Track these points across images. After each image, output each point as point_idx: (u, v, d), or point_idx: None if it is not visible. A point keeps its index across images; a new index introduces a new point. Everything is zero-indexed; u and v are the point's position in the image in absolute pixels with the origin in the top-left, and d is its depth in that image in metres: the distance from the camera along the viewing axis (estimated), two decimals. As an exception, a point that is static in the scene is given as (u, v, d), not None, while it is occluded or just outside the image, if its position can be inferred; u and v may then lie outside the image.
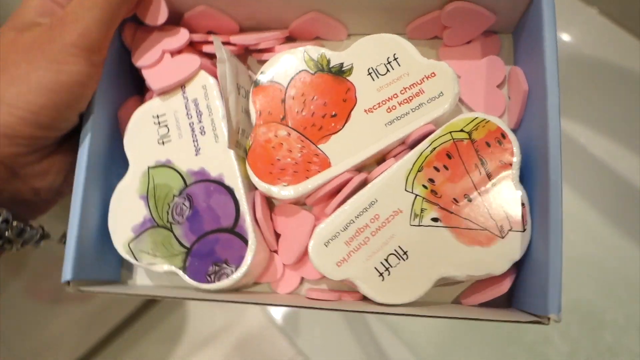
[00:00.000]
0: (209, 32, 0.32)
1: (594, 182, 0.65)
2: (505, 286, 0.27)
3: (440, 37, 0.32)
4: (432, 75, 0.28)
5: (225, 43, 0.32)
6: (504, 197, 0.27)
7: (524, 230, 0.26)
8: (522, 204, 0.27)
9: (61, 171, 0.28)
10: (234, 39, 0.31)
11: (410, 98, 0.28)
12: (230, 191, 0.28)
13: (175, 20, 0.31)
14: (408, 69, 0.29)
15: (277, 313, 0.68)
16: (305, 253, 0.29)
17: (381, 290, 0.27)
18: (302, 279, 0.30)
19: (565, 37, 0.57)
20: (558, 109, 0.25)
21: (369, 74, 0.29)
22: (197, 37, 0.31)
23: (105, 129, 0.29)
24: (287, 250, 0.29)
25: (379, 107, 0.28)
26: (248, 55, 0.33)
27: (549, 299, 0.24)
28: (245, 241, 0.27)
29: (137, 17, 0.30)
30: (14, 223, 0.26)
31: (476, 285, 0.28)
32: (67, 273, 0.26)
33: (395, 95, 0.28)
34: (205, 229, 0.27)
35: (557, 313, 0.24)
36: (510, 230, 0.26)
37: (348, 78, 0.29)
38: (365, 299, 0.28)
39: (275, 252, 0.30)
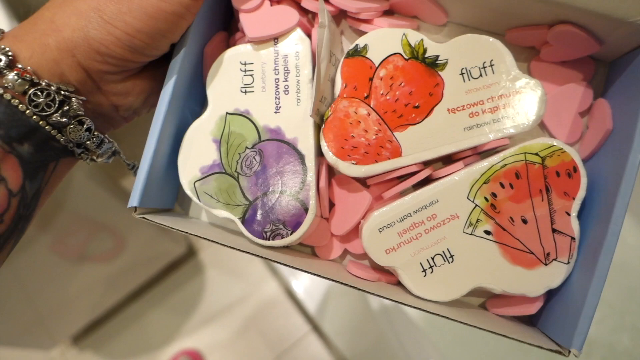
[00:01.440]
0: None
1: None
2: (534, 308, 0.29)
3: (536, 48, 0.31)
4: (523, 90, 0.28)
5: (325, 2, 0.31)
6: (558, 228, 0.28)
7: (568, 262, 0.28)
8: (573, 238, 0.28)
9: (141, 93, 0.29)
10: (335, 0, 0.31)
11: (495, 108, 0.28)
12: (301, 157, 0.28)
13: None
14: (501, 79, 0.28)
15: (299, 287, 0.69)
16: (355, 228, 0.31)
17: (420, 285, 0.28)
18: (346, 250, 0.32)
19: None
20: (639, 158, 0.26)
21: (462, 73, 0.29)
22: (301, -11, 0.30)
23: (192, 62, 0.29)
24: (339, 222, 0.30)
25: (463, 109, 0.29)
26: (343, 19, 0.33)
27: (575, 334, 0.25)
28: (306, 209, 0.28)
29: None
30: (96, 133, 0.27)
31: (507, 298, 0.30)
32: (134, 199, 0.27)
33: (481, 102, 0.28)
34: (271, 187, 0.28)
35: (579, 349, 0.25)
36: (555, 259, 0.28)
37: (440, 72, 0.29)
38: (400, 285, 0.30)
39: (326, 219, 0.31)
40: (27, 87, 0.24)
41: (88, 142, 0.27)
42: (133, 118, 0.31)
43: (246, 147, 0.29)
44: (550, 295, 0.29)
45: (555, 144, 0.28)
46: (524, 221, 0.28)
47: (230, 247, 0.27)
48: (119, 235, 0.75)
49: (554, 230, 0.28)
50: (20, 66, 0.24)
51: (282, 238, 0.28)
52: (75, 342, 0.91)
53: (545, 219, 0.28)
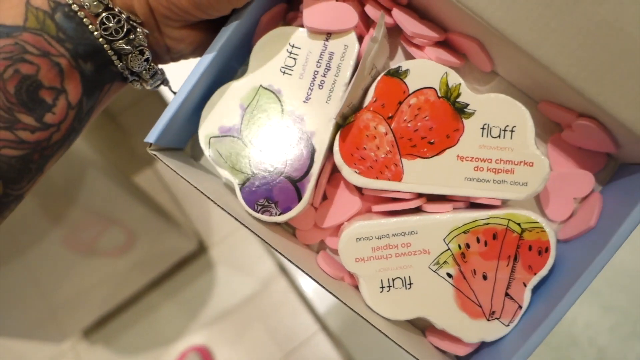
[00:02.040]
0: (377, -8, 0.32)
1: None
2: (465, 351, 0.32)
3: (562, 126, 0.33)
4: (530, 164, 0.30)
5: (385, 9, 0.32)
6: (511, 294, 0.30)
7: (508, 325, 0.30)
8: (520, 307, 0.30)
9: (193, 43, 0.30)
10: (397, 14, 0.31)
11: (499, 170, 0.30)
12: (312, 150, 0.30)
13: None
14: (515, 146, 0.30)
15: (307, 286, 0.67)
16: (337, 227, 0.33)
17: (374, 298, 0.31)
18: (322, 242, 0.34)
19: None
20: (600, 268, 0.28)
21: (483, 128, 0.30)
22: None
23: (246, 25, 0.30)
24: (325, 216, 0.33)
25: (471, 161, 0.30)
26: (396, 35, 0.33)
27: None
28: (300, 197, 0.30)
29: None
30: (152, 64, 0.29)
31: (445, 333, 0.32)
32: (152, 135, 0.29)
33: (489, 160, 0.30)
34: (276, 168, 0.31)
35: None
36: (497, 318, 0.30)
37: (464, 119, 0.30)
38: (357, 289, 0.33)
39: (315, 208, 0.33)
40: (100, 10, 0.26)
41: (144, 71, 0.29)
42: (180, 60, 0.32)
43: (266, 122, 0.31)
44: (482, 346, 0.32)
45: (539, 221, 0.30)
46: (484, 277, 0.30)
47: (220, 206, 0.30)
48: (130, 231, 0.75)
49: (506, 294, 0.30)
50: None
51: (269, 215, 0.31)
52: (85, 336, 0.91)
53: (503, 282, 0.30)
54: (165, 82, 0.31)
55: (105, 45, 0.27)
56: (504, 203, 0.31)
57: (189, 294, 0.87)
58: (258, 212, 0.31)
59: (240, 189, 0.31)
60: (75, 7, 0.25)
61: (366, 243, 0.31)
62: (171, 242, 0.84)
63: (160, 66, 0.31)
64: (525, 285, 0.30)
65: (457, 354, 0.32)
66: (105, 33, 0.26)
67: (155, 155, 0.30)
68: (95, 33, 0.26)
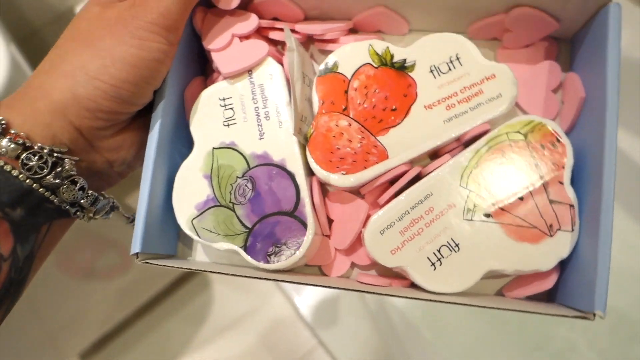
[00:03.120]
0: (274, 19, 0.33)
1: (631, 190, 0.60)
2: (550, 282, 0.28)
3: (499, 39, 0.33)
4: (492, 76, 0.29)
5: (291, 31, 0.33)
6: (555, 198, 0.28)
7: (572, 230, 0.28)
8: (572, 206, 0.28)
9: (133, 146, 0.30)
10: (300, 27, 0.32)
11: (470, 97, 0.29)
12: (291, 176, 0.29)
13: (244, 5, 0.32)
14: (469, 69, 0.30)
15: (302, 303, 0.68)
16: (357, 239, 0.31)
17: (432, 279, 0.28)
18: (353, 263, 0.31)
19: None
20: (616, 118, 0.26)
21: (431, 71, 0.30)
22: (264, 22, 0.32)
23: (173, 107, 0.30)
24: (340, 236, 0.31)
25: (439, 104, 0.29)
26: (311, 44, 0.34)
27: (596, 296, 0.25)
28: (305, 225, 0.28)
29: (208, 1, 0.31)
30: (89, 192, 0.27)
31: (521, 279, 0.29)
32: (136, 246, 0.27)
33: (455, 94, 0.29)
34: (267, 211, 0.29)
35: (603, 310, 0.25)
36: (559, 229, 0.28)
37: (410, 74, 0.30)
38: (413, 286, 0.30)
39: (328, 236, 0.31)
40: (19, 151, 0.25)
41: (82, 200, 0.27)
42: (128, 173, 0.31)
43: (237, 177, 0.29)
44: (563, 267, 0.29)
45: (533, 118, 0.29)
46: (521, 198, 0.28)
47: (241, 276, 0.27)
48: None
49: (551, 202, 0.28)
50: (13, 131, 0.25)
51: (286, 258, 0.28)
52: (83, 359, 0.89)
53: (540, 193, 0.28)
54: (114, 208, 0.30)
55: (34, 185, 0.25)
56: (493, 124, 0.30)
57: (186, 312, 0.84)
58: (274, 262, 0.28)
59: (245, 250, 0.29)
60: None
61: (392, 231, 0.28)
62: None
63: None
64: (561, 183, 0.28)
65: (547, 289, 0.29)
66: (30, 173, 0.25)
67: (147, 263, 0.28)
68: (20, 176, 0.25)
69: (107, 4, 0.28)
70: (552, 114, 0.32)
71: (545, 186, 0.28)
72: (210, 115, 0.31)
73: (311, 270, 0.32)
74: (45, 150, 0.25)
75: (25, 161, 0.25)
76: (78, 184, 0.27)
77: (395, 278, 0.30)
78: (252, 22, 0.31)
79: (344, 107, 0.30)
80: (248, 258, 0.29)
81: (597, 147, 0.27)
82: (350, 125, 0.30)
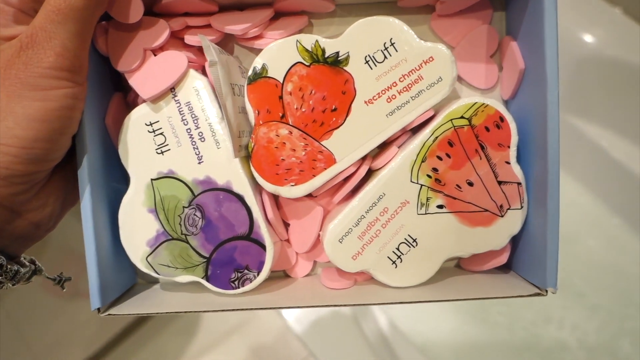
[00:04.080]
0: (186, 14, 0.30)
1: (616, 188, 0.61)
2: (504, 258, 0.30)
3: (431, 4, 0.31)
4: (430, 59, 0.28)
5: (205, 26, 0.29)
6: (503, 178, 0.28)
7: (522, 207, 0.28)
8: (519, 183, 0.28)
9: (58, 198, 0.27)
10: (216, 23, 0.29)
11: (410, 86, 0.28)
12: (240, 198, 0.28)
13: (148, 6, 0.28)
14: (406, 55, 0.28)
15: (291, 315, 0.67)
16: (317, 241, 0.31)
17: (394, 276, 0.29)
18: (315, 262, 0.32)
19: (587, 37, 0.51)
20: (557, 89, 0.26)
21: (367, 62, 0.28)
22: (175, 25, 0.28)
23: (98, 143, 0.28)
24: (299, 241, 0.31)
25: (379, 97, 0.28)
26: (231, 42, 0.31)
27: (547, 273, 0.27)
28: (263, 246, 0.28)
29: (106, 15, 0.27)
30: (8, 267, 0.25)
31: (477, 256, 0.30)
32: (95, 301, 0.26)
33: (394, 84, 0.28)
34: (222, 238, 0.28)
35: (554, 286, 0.27)
36: (509, 208, 0.28)
37: (345, 68, 0.28)
38: (372, 278, 0.30)
39: (287, 240, 0.31)
40: None
41: (7, 279, 0.25)
42: (56, 225, 0.29)
43: (183, 207, 0.28)
44: (516, 243, 0.30)
45: (476, 101, 0.28)
46: (470, 184, 0.28)
47: (207, 311, 0.27)
48: None
49: (499, 183, 0.28)
50: None
51: (250, 282, 0.28)
52: None
53: (488, 175, 0.28)
54: (37, 271, 0.28)
55: None
56: (438, 109, 0.29)
57: (176, 327, 0.88)
58: (239, 287, 0.28)
59: (208, 280, 0.28)
60: None
61: (350, 237, 0.28)
62: None
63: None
64: (508, 163, 0.28)
65: (501, 264, 0.30)
66: None
67: (110, 315, 0.27)
68: None
69: None
70: (492, 82, 0.31)
71: (492, 168, 0.28)
72: (140, 144, 0.28)
73: (276, 274, 0.32)
74: None
75: None
76: (3, 267, 0.25)
77: (358, 274, 0.31)
78: (162, 29, 0.28)
79: (281, 114, 0.28)
80: (212, 287, 0.28)
81: (540, 119, 0.27)
82: (291, 133, 0.28)
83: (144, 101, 0.29)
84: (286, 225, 0.31)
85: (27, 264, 0.27)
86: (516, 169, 0.28)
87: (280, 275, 0.32)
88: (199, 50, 0.30)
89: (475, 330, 0.60)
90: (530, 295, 0.27)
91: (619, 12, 0.52)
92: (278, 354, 0.77)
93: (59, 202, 0.27)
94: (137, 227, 0.28)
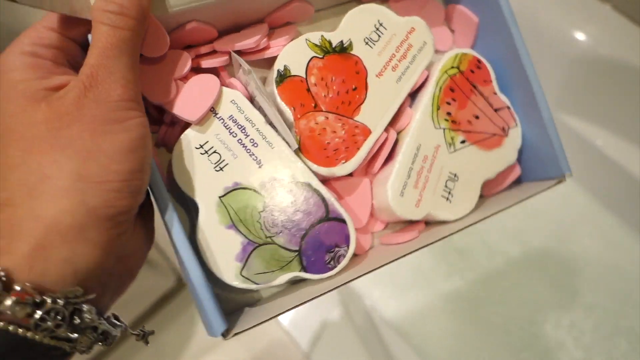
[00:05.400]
0: (188, 47, 0.31)
1: (611, 186, 0.61)
2: (518, 170, 0.36)
3: (384, -6, 0.37)
4: (412, 30, 0.33)
5: (213, 53, 0.31)
6: (496, 106, 0.34)
7: (516, 125, 0.35)
8: (508, 107, 0.35)
9: (142, 237, 0.26)
10: (219, 46, 0.31)
11: (405, 54, 0.33)
12: (308, 185, 0.30)
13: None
14: (393, 30, 0.33)
15: (288, 319, 0.65)
16: (371, 214, 0.33)
17: (452, 211, 0.33)
18: (372, 234, 0.34)
19: (579, 35, 0.52)
20: (510, 9, 0.33)
21: (366, 43, 0.32)
22: (191, 54, 0.30)
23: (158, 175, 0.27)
24: (355, 216, 0.33)
25: (385, 69, 0.33)
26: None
27: (560, 162, 0.33)
28: (343, 220, 0.30)
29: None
30: (102, 329, 0.23)
31: (497, 176, 0.36)
32: (217, 327, 0.26)
33: (393, 55, 0.33)
34: (305, 227, 0.29)
35: (569, 171, 0.33)
36: (509, 128, 0.35)
37: (352, 52, 0.32)
38: (428, 226, 0.34)
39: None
40: (29, 310, 0.20)
41: (100, 343, 0.24)
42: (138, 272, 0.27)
43: (259, 212, 0.29)
44: (524, 155, 0.36)
45: (457, 52, 0.34)
46: (476, 117, 0.34)
47: (313, 298, 0.28)
48: None
49: (495, 110, 0.34)
50: (18, 288, 0.20)
51: (344, 256, 0.30)
52: None
53: (486, 107, 0.34)
54: (124, 328, 0.26)
55: (44, 340, 0.21)
56: (431, 69, 0.34)
57: (171, 332, 0.84)
58: (336, 266, 0.29)
59: (306, 270, 0.29)
60: None
61: (408, 189, 0.32)
62: (149, 281, 0.81)
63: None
64: (495, 93, 0.35)
65: (517, 177, 0.36)
66: (45, 332, 0.21)
67: (237, 334, 0.26)
68: (29, 334, 0.20)
69: (42, 97, 0.23)
70: (449, 43, 0.38)
71: (487, 100, 0.34)
72: (197, 168, 0.29)
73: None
74: (60, 303, 0.21)
75: (39, 322, 0.20)
76: (99, 329, 0.23)
77: (416, 225, 0.34)
78: (185, 59, 0.29)
79: (313, 104, 0.31)
80: (312, 277, 0.29)
81: (506, 51, 0.34)
82: (327, 118, 0.31)
83: (180, 133, 0.29)
84: (337, 209, 0.33)
85: (118, 323, 0.25)
86: (502, 96, 0.35)
87: (346, 257, 0.34)
88: (213, 73, 0.32)
89: (472, 330, 0.61)
90: (553, 186, 0.33)
91: (609, 9, 0.53)
92: (274, 356, 0.75)
93: (144, 243, 0.26)
94: (221, 246, 0.28)
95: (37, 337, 0.20)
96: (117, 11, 0.23)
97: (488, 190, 0.36)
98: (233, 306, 0.31)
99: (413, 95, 0.35)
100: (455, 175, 0.33)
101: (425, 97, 0.33)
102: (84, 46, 0.27)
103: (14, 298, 0.20)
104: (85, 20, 0.25)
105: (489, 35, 0.36)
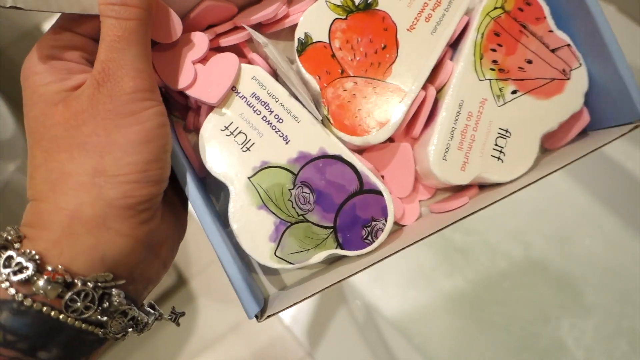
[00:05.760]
0: (210, 26, 0.30)
1: (613, 187, 0.60)
2: (586, 116, 0.31)
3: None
4: (446, -29, 0.30)
5: (232, 30, 0.30)
6: (554, 46, 0.30)
7: (580, 65, 0.30)
8: (569, 45, 0.30)
9: (173, 227, 0.26)
10: (242, 19, 0.30)
11: (439, 1, 0.30)
12: (339, 158, 0.28)
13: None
14: (424, -24, 0.30)
15: (289, 314, 0.65)
16: (415, 180, 0.31)
17: (504, 171, 0.29)
18: (420, 202, 0.32)
19: None
20: None
21: (394, -5, 0.30)
22: (208, 35, 0.29)
23: (187, 165, 0.27)
24: (399, 185, 0.31)
25: (417, 21, 0.30)
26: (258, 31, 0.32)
27: (634, 102, 0.28)
28: (379, 192, 0.28)
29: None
30: (139, 319, 0.24)
31: (562, 126, 0.32)
32: (252, 309, 0.25)
33: (425, 4, 0.30)
34: (338, 202, 0.28)
35: (646, 112, 0.28)
36: (571, 69, 0.30)
37: (377, 8, 0.29)
38: (481, 188, 0.31)
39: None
40: (60, 290, 0.21)
41: (130, 329, 0.24)
42: (172, 263, 0.28)
43: (289, 190, 0.28)
44: (588, 99, 0.31)
45: (500, -11, 0.30)
46: (529, 62, 0.30)
47: (350, 275, 0.27)
48: None
49: (552, 50, 0.30)
50: (50, 268, 0.21)
51: (382, 230, 0.28)
52: None
53: (541, 48, 0.30)
54: (159, 318, 0.26)
55: (76, 323, 0.22)
56: (471, 14, 0.31)
57: (173, 328, 0.85)
58: (374, 241, 0.28)
59: (342, 247, 0.28)
60: (28, 301, 0.21)
61: (451, 151, 0.29)
62: None
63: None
64: (551, 31, 0.30)
65: (586, 124, 0.31)
66: (74, 314, 0.21)
67: (269, 316, 0.26)
68: (61, 316, 0.21)
69: (60, 99, 0.23)
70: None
71: (541, 40, 0.30)
72: (224, 151, 0.28)
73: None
74: (89, 285, 0.21)
75: (69, 303, 0.21)
76: (129, 314, 0.23)
77: (466, 190, 0.31)
78: (202, 40, 0.28)
79: (340, 70, 0.29)
80: (350, 253, 0.28)
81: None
82: (356, 83, 0.29)
83: (206, 116, 0.29)
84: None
85: (152, 311, 0.26)
86: (559, 33, 0.30)
87: (394, 229, 0.32)
88: (234, 50, 0.31)
89: (473, 330, 0.61)
90: (628, 132, 0.29)
91: (613, 10, 0.52)
92: (275, 353, 0.75)
93: (175, 233, 0.26)
94: (254, 228, 0.28)
95: (69, 319, 0.21)
96: (120, 2, 0.23)
97: (553, 143, 0.32)
98: (274, 286, 0.31)
99: (454, 45, 0.31)
100: (507, 131, 0.29)
101: (466, 47, 0.30)
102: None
103: (45, 277, 0.20)
104: (97, 16, 0.25)
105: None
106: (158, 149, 0.23)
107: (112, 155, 0.22)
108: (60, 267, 0.21)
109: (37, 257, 0.21)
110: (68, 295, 0.21)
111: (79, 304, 0.21)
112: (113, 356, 0.83)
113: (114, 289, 0.22)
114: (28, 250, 0.21)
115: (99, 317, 0.22)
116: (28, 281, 0.20)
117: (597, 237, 0.62)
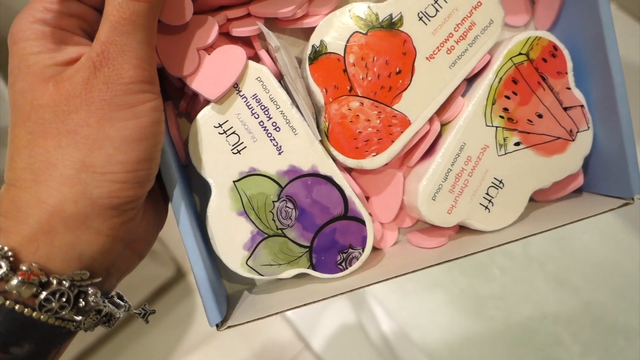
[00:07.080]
0: (221, 8, 0.28)
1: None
2: (581, 179, 0.31)
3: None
4: (479, 4, 0.28)
5: (245, 16, 0.28)
6: (567, 104, 0.29)
7: (588, 128, 0.30)
8: (582, 106, 0.29)
9: (152, 221, 0.26)
10: (256, 9, 0.28)
11: (465, 33, 0.28)
12: (329, 179, 0.27)
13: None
14: (455, 4, 0.28)
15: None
16: (400, 208, 0.31)
17: (490, 221, 0.29)
18: (399, 229, 0.32)
19: None
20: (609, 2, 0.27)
21: (420, 19, 0.28)
22: (217, 19, 0.27)
23: (173, 156, 0.26)
24: (383, 210, 0.30)
25: (439, 50, 0.28)
26: (271, 26, 0.30)
27: (632, 181, 0.28)
28: (362, 221, 0.28)
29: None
30: (105, 310, 0.23)
31: (555, 183, 0.31)
32: (214, 317, 0.25)
33: (450, 35, 0.28)
34: (319, 223, 0.27)
35: (640, 193, 0.28)
36: (578, 131, 0.30)
37: (401, 29, 0.28)
38: (462, 230, 0.31)
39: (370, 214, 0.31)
40: (34, 290, 0.20)
41: (104, 324, 0.24)
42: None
43: (273, 202, 0.27)
44: (590, 161, 0.31)
45: (530, 35, 0.29)
46: (540, 116, 0.29)
47: (320, 300, 0.27)
48: None
49: (565, 109, 0.29)
50: (24, 268, 0.20)
51: (357, 259, 0.28)
52: None
53: (554, 104, 0.29)
54: (128, 309, 0.26)
55: (49, 320, 0.21)
56: (492, 51, 0.29)
57: (170, 321, 0.87)
58: (347, 268, 0.28)
59: (314, 268, 0.28)
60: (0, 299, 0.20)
61: (442, 193, 0.28)
62: (149, 270, 0.82)
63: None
64: (569, 88, 0.29)
65: (579, 186, 0.31)
66: (49, 313, 0.21)
67: (230, 326, 0.26)
68: (34, 314, 0.21)
69: (51, 74, 0.21)
70: (527, 18, 0.32)
71: (556, 96, 0.29)
72: (213, 148, 0.27)
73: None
74: (65, 285, 0.21)
75: (43, 303, 0.20)
76: (103, 311, 0.23)
77: (447, 229, 0.31)
78: (210, 26, 0.26)
79: (349, 87, 0.28)
80: (320, 275, 0.28)
81: (592, 40, 0.28)
82: (362, 104, 0.28)
83: (201, 107, 0.27)
84: (367, 199, 0.31)
85: (121, 303, 0.25)
86: (576, 92, 0.29)
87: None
88: (244, 41, 0.29)
89: (472, 325, 0.61)
90: (619, 207, 0.29)
91: (614, 8, 0.51)
92: (272, 346, 0.77)
93: (154, 226, 0.26)
94: (230, 233, 0.27)
95: (41, 317, 0.21)
96: None
97: (542, 197, 0.32)
98: (237, 292, 0.31)
99: (471, 80, 0.30)
100: (500, 181, 0.29)
101: (481, 88, 0.29)
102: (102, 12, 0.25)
103: (20, 278, 0.20)
104: None
105: (574, 12, 0.29)
106: (150, 148, 0.22)
107: (102, 151, 0.21)
108: (35, 265, 0.20)
109: (10, 254, 0.20)
110: (43, 295, 0.20)
111: (54, 303, 0.21)
112: (110, 348, 0.83)
113: (90, 288, 0.22)
114: (0, 246, 0.20)
115: (74, 316, 0.22)
116: (1, 279, 0.20)
117: (596, 233, 0.62)
